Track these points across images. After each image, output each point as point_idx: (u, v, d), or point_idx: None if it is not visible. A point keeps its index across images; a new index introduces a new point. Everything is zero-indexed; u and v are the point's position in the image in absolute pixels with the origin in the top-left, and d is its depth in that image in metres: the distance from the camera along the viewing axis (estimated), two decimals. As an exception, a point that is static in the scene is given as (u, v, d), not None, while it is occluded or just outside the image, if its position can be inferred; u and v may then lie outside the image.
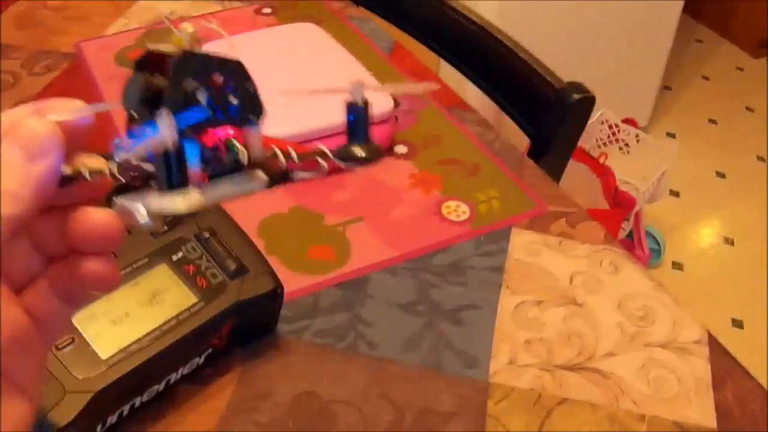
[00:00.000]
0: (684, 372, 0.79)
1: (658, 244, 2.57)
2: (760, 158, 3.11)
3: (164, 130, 0.36)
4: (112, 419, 0.68)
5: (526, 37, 1.28)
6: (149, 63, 0.39)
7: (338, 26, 1.31)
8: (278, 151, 0.40)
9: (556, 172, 1.13)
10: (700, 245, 2.73)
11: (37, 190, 0.35)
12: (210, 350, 0.73)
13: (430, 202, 0.96)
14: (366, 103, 0.40)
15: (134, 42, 1.25)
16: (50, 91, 1.14)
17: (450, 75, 1.37)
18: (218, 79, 0.38)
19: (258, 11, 1.36)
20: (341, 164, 0.40)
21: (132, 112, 0.39)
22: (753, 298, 2.49)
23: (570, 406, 0.75)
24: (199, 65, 0.38)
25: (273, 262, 0.78)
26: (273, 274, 0.75)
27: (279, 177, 0.40)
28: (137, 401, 0.69)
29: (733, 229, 2.80)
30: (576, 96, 1.07)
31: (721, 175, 3.02)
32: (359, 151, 0.40)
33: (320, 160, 0.40)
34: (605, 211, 2.26)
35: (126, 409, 0.69)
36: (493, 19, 1.31)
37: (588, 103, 1.09)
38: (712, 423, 0.75)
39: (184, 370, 0.72)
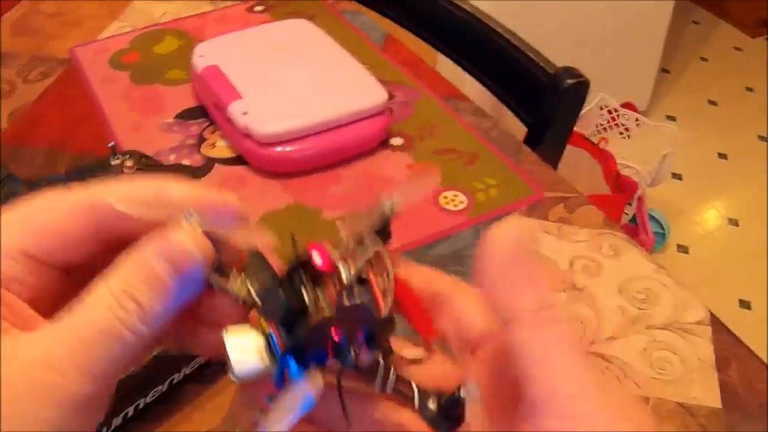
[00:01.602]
0: (687, 353, 0.79)
1: (663, 227, 2.56)
2: (761, 138, 3.11)
3: (307, 390, 0.36)
4: (116, 421, 0.68)
5: (522, 24, 1.28)
6: (308, 264, 0.38)
7: (331, 21, 1.31)
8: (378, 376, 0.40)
9: (553, 158, 1.13)
10: (704, 227, 2.72)
11: (173, 312, 0.36)
12: (212, 348, 0.73)
13: (428, 193, 0.96)
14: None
15: (128, 45, 1.25)
16: (46, 97, 1.14)
17: (447, 68, 1.36)
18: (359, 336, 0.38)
19: (250, 9, 1.36)
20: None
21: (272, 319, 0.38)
22: (760, 278, 2.48)
23: (574, 390, 0.75)
24: (350, 319, 0.37)
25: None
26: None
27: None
28: (141, 402, 0.69)
29: (737, 210, 2.79)
30: (570, 81, 1.07)
31: (723, 156, 3.02)
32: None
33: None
34: (607, 197, 2.25)
35: (130, 410, 0.69)
36: (490, 6, 1.31)
37: (582, 87, 1.08)
38: (718, 403, 0.75)
39: (187, 370, 0.72)
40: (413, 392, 0.39)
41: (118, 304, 0.34)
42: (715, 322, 0.82)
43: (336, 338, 0.37)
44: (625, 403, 0.34)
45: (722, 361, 0.79)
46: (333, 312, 0.37)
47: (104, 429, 0.67)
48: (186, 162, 1.01)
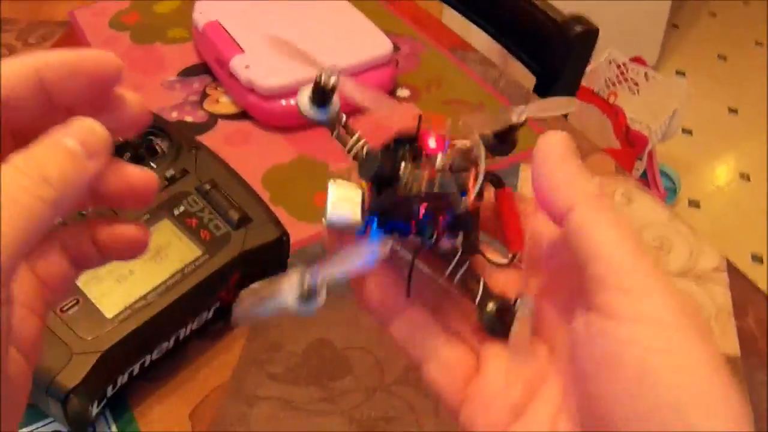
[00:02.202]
0: (704, 300, 0.78)
1: (674, 182, 2.54)
2: (772, 92, 3.08)
3: (373, 251, 0.38)
4: (122, 379, 0.67)
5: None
6: (407, 139, 0.41)
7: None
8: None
9: (563, 108, 1.11)
10: (715, 182, 2.70)
11: (84, 188, 0.34)
12: (218, 304, 0.72)
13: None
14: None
15: (128, 6, 1.23)
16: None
17: (453, 20, 1.34)
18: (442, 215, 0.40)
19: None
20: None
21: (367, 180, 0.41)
22: (773, 231, 2.47)
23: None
24: (436, 198, 0.39)
25: (279, 212, 0.77)
26: (277, 222, 0.74)
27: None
28: (147, 359, 0.68)
29: (748, 164, 2.77)
30: (578, 28, 1.05)
31: (734, 111, 2.99)
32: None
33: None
34: (617, 151, 2.23)
35: (136, 368, 0.67)
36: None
37: (591, 35, 1.07)
38: (736, 350, 0.73)
39: (193, 326, 0.71)
40: (479, 289, 0.41)
41: (19, 170, 0.32)
42: (732, 269, 0.81)
43: (420, 215, 0.39)
44: (674, 283, 0.36)
45: (739, 307, 0.77)
46: (421, 189, 0.38)
47: (109, 387, 0.66)
48: (189, 119, 0.99)
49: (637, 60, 2.52)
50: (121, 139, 0.37)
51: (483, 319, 0.41)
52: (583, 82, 2.31)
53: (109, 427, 0.67)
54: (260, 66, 0.95)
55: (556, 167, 0.38)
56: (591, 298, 0.36)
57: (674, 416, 0.33)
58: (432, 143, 0.40)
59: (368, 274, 0.42)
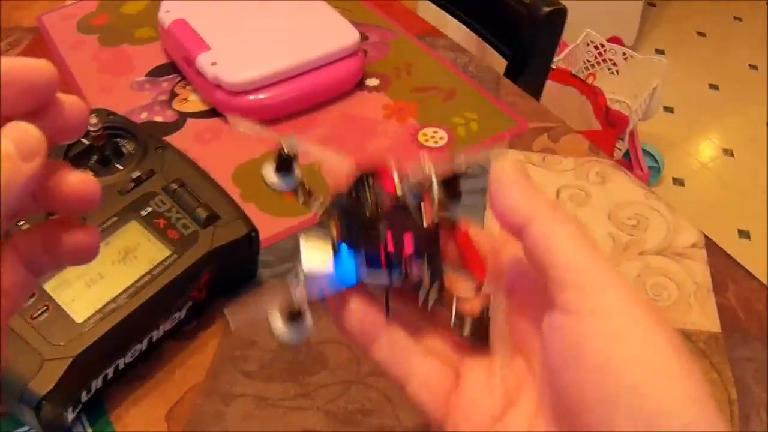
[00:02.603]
0: (682, 277, 0.77)
1: (657, 161, 2.54)
2: (752, 66, 3.09)
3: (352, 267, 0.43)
4: (96, 383, 0.66)
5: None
6: (370, 173, 0.44)
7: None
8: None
9: (535, 90, 1.11)
10: (699, 159, 2.70)
11: (24, 189, 0.34)
12: (191, 303, 0.71)
13: (407, 132, 0.94)
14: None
15: (95, 9, 1.22)
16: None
17: (428, 11, 1.34)
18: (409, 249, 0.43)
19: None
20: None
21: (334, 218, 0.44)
22: (758, 207, 2.47)
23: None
24: (396, 220, 0.43)
25: (250, 208, 0.76)
26: (246, 219, 0.73)
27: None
28: (121, 363, 0.67)
29: (731, 140, 2.77)
30: (546, 9, 1.05)
31: (715, 87, 3.00)
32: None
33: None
34: (598, 132, 2.22)
35: (110, 372, 0.67)
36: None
37: (559, 14, 1.06)
38: (716, 327, 0.73)
39: (166, 326, 0.70)
40: (451, 314, 0.45)
41: None
42: (710, 245, 0.80)
43: (389, 247, 0.42)
44: (627, 279, 0.41)
45: (719, 284, 0.77)
46: (384, 210, 0.42)
47: (83, 393, 0.65)
48: (158, 119, 0.99)
49: (615, 40, 2.52)
50: (63, 143, 0.37)
51: (462, 337, 0.45)
52: (561, 65, 2.31)
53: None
54: (227, 62, 0.94)
55: (511, 188, 0.42)
56: (553, 299, 0.39)
57: (636, 399, 0.35)
58: (390, 175, 0.43)
59: (345, 302, 0.44)
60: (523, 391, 0.43)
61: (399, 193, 0.43)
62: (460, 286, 0.46)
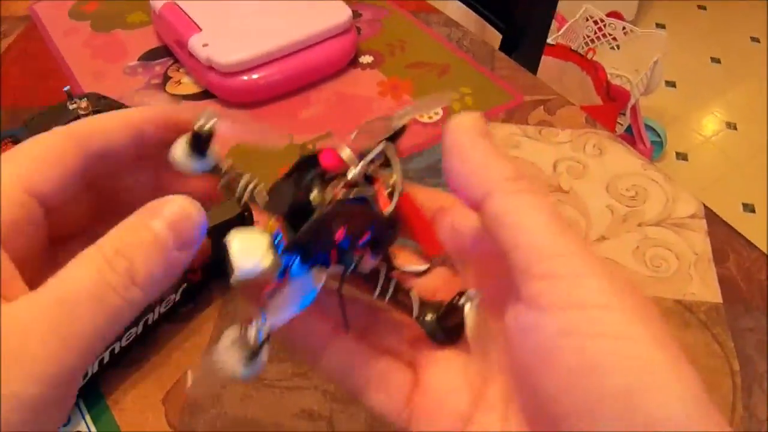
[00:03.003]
0: (682, 248, 0.77)
1: (660, 136, 2.53)
2: (754, 39, 3.07)
3: (309, 284, 0.36)
4: (92, 368, 0.66)
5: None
6: (314, 161, 0.38)
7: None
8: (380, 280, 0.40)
9: (531, 64, 1.10)
10: (702, 133, 2.70)
11: (170, 279, 0.34)
12: (185, 285, 0.71)
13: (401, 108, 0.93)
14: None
15: (87, -5, 1.22)
16: (9, 55, 1.11)
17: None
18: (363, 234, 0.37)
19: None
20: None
21: (278, 216, 0.38)
22: (762, 180, 2.47)
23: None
24: (352, 215, 0.36)
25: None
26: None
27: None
28: (116, 346, 0.67)
29: (734, 113, 2.76)
30: (541, -19, 1.04)
31: (716, 60, 2.98)
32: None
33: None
34: (599, 107, 2.22)
35: (106, 356, 0.66)
36: None
37: (554, -14, 1.05)
38: (717, 297, 0.72)
39: (161, 309, 0.70)
40: (412, 302, 0.40)
41: (108, 265, 0.31)
42: (710, 215, 0.80)
43: (339, 237, 0.36)
44: (606, 263, 0.33)
45: (719, 254, 0.76)
46: (335, 206, 0.36)
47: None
48: (152, 102, 0.98)
49: (615, 15, 2.51)
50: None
51: (426, 329, 0.40)
52: (561, 40, 2.30)
53: (83, 416, 0.66)
54: (218, 43, 0.94)
55: (467, 152, 0.36)
56: (519, 289, 0.33)
57: (625, 405, 0.30)
58: (325, 159, 0.37)
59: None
60: (489, 385, 0.38)
61: (349, 176, 0.37)
62: (411, 264, 0.42)
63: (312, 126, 0.92)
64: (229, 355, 0.35)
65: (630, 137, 2.38)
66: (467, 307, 0.38)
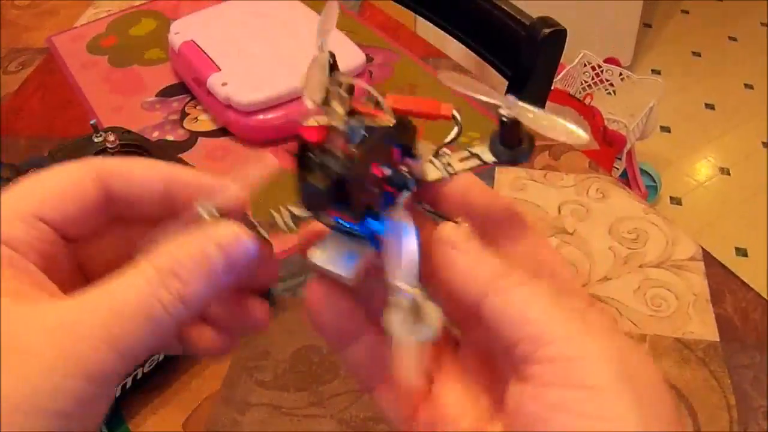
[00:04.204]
0: (681, 289, 0.79)
1: (654, 180, 2.56)
2: (748, 86, 3.10)
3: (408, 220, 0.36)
4: (115, 392, 0.68)
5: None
6: (307, 145, 0.36)
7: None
8: (440, 167, 0.40)
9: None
10: (696, 178, 2.72)
11: (213, 300, 0.36)
12: (206, 315, 0.73)
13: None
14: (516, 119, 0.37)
15: (105, 29, 1.24)
16: (26, 87, 1.14)
17: (428, 31, 1.36)
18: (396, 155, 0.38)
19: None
20: (492, 163, 0.39)
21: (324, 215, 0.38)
22: (754, 224, 2.48)
23: (569, 331, 0.75)
24: (380, 143, 0.37)
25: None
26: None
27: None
28: (139, 372, 0.69)
29: (727, 158, 2.79)
30: (546, 30, 1.06)
31: (710, 106, 3.01)
32: (509, 155, 0.39)
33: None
34: (596, 152, 2.25)
35: (129, 381, 0.69)
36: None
37: (559, 35, 1.08)
38: (715, 336, 0.75)
39: (183, 337, 0.72)
40: (476, 152, 0.39)
41: (162, 284, 0.33)
42: (707, 257, 0.82)
43: (378, 172, 0.36)
44: (613, 336, 0.34)
45: (717, 294, 0.79)
46: (362, 151, 0.35)
47: (104, 401, 0.67)
48: (170, 137, 1.01)
49: (612, 61, 2.54)
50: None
51: (503, 159, 0.39)
52: (559, 85, 2.33)
53: (105, 441, 0.68)
54: (237, 83, 0.97)
55: (456, 260, 0.36)
56: (521, 372, 0.34)
57: None
58: (309, 135, 0.36)
59: (323, 300, 0.39)
60: (493, 422, 0.37)
61: (342, 123, 0.36)
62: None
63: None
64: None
65: (625, 181, 2.41)
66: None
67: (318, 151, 0.36)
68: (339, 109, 0.37)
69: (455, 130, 0.41)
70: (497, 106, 0.37)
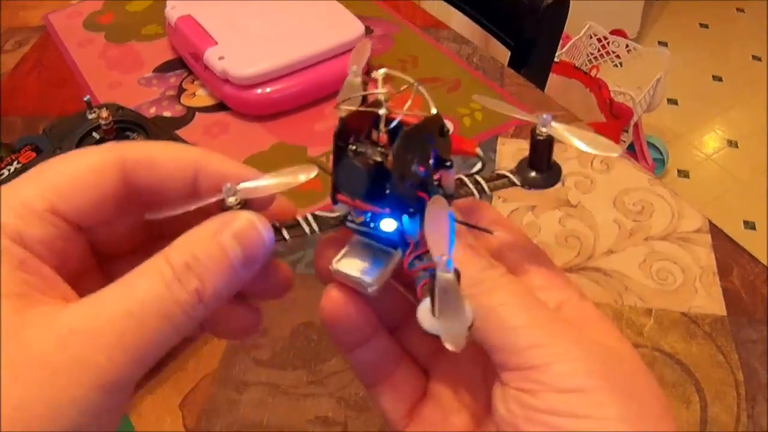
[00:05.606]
0: (688, 262, 0.78)
1: (662, 153, 2.55)
2: (755, 58, 3.09)
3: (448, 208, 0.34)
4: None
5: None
6: (349, 130, 0.36)
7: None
8: (469, 184, 0.40)
9: (539, 80, 1.11)
10: (704, 151, 2.71)
11: (230, 296, 0.34)
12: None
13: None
14: (551, 138, 0.38)
15: (102, 6, 1.23)
16: (24, 64, 1.12)
17: (433, 4, 1.35)
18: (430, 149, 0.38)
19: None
20: (524, 188, 0.40)
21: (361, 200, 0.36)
22: (763, 198, 2.47)
23: (573, 306, 0.74)
24: (420, 138, 0.36)
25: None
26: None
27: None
28: (135, 352, 0.68)
29: (735, 131, 2.77)
30: (548, 0, 1.05)
31: (718, 78, 3.00)
32: (538, 179, 0.40)
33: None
34: (602, 124, 2.23)
35: (124, 361, 0.68)
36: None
37: (561, 6, 1.07)
38: (722, 310, 0.74)
39: (179, 316, 0.71)
40: (504, 175, 0.40)
41: (178, 281, 0.31)
42: (714, 230, 0.81)
43: (421, 169, 0.36)
44: (589, 331, 0.35)
45: (724, 267, 0.78)
46: (401, 147, 0.35)
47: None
48: (167, 113, 1.00)
49: (618, 32, 2.52)
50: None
51: (533, 184, 0.40)
52: (565, 57, 2.31)
53: (101, 422, 0.67)
54: (234, 56, 0.95)
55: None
56: (505, 380, 0.34)
57: None
58: (356, 116, 0.37)
59: (342, 310, 0.39)
60: (487, 424, 0.38)
61: (381, 112, 0.37)
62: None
63: (326, 138, 0.93)
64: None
65: (632, 154, 2.39)
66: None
67: (359, 140, 0.36)
68: (382, 101, 0.37)
69: (479, 164, 0.42)
70: (533, 124, 0.38)
